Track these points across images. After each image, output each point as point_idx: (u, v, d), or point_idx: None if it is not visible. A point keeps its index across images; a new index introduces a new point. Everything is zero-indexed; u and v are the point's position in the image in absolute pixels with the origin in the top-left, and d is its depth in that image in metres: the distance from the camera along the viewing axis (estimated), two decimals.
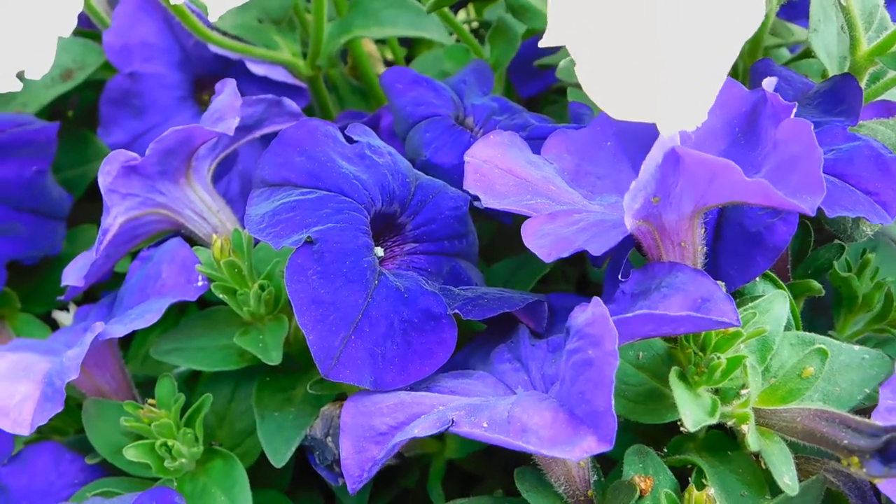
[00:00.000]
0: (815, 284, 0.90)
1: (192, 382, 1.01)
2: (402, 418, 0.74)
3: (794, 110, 0.74)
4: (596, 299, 0.70)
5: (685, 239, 0.78)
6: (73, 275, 0.95)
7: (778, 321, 0.79)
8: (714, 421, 0.74)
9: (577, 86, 1.03)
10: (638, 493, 0.75)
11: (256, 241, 0.90)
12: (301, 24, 1.22)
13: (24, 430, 0.83)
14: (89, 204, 1.21)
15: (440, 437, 0.94)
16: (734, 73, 1.05)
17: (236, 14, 1.15)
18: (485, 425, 0.68)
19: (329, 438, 0.86)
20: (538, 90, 1.31)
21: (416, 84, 1.00)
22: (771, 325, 0.78)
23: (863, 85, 0.91)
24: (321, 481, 0.91)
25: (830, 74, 0.93)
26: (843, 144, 0.83)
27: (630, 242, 0.81)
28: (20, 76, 0.79)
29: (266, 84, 1.18)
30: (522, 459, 0.81)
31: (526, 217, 0.78)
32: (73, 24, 0.80)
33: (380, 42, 1.40)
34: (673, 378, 0.74)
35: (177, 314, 1.06)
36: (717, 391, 0.77)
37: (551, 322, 0.86)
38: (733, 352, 0.76)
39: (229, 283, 0.89)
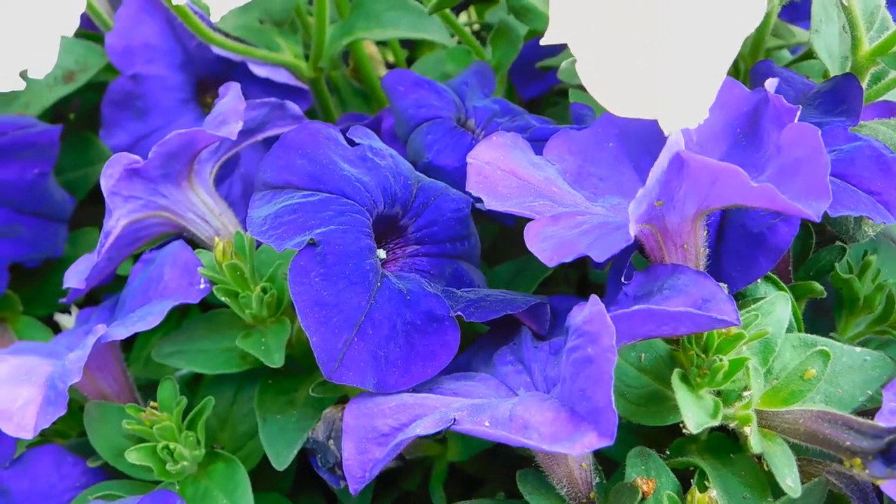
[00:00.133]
0: (817, 286, 0.90)
1: (193, 385, 1.01)
2: (404, 419, 0.74)
3: (798, 113, 0.74)
4: (594, 297, 0.69)
5: (688, 241, 0.78)
6: (75, 277, 0.95)
7: (780, 323, 0.79)
8: (716, 423, 0.74)
9: (579, 87, 1.03)
10: (640, 495, 0.75)
11: (258, 244, 0.90)
12: (303, 25, 1.22)
13: (28, 434, 0.83)
14: (91, 206, 1.21)
15: (442, 440, 0.94)
16: (735, 74, 1.05)
17: (238, 15, 1.15)
18: (487, 423, 0.68)
19: (331, 441, 0.85)
20: (540, 92, 1.31)
21: (417, 86, 1.00)
22: (773, 327, 0.78)
23: (864, 85, 0.91)
24: (323, 484, 0.91)
25: (832, 75, 0.93)
26: (844, 145, 0.83)
27: (633, 245, 0.81)
28: (23, 75, 0.79)
29: (268, 86, 1.18)
30: (524, 462, 0.81)
31: (528, 219, 0.78)
32: (76, 22, 0.80)
33: (381, 44, 1.40)
34: (675, 380, 0.75)
35: (178, 317, 1.06)
36: (719, 393, 0.77)
37: (553, 324, 0.86)
38: (735, 354, 0.76)
39: (231, 286, 0.89)
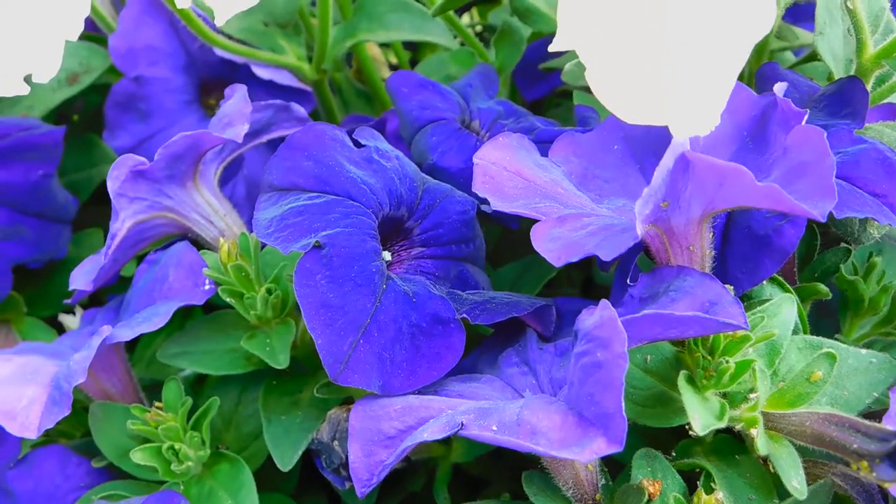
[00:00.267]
0: (823, 288, 0.90)
1: (197, 386, 1.01)
2: (410, 422, 0.74)
3: (806, 116, 0.74)
4: (604, 302, 0.70)
5: (693, 243, 0.79)
6: (81, 278, 0.95)
7: (786, 325, 0.79)
8: (722, 425, 0.74)
9: (583, 89, 1.04)
10: (646, 496, 0.75)
11: (263, 245, 0.90)
12: (306, 27, 1.22)
13: (32, 434, 0.83)
14: (94, 207, 1.21)
15: (446, 441, 0.94)
16: (740, 76, 1.05)
17: (242, 18, 1.15)
18: (494, 428, 0.68)
19: (336, 442, 0.86)
20: (543, 93, 1.31)
21: (421, 88, 1.00)
22: (779, 329, 0.78)
23: (869, 88, 0.91)
24: (327, 485, 0.91)
25: (836, 77, 0.93)
26: (849, 147, 0.84)
27: (638, 246, 0.81)
28: (27, 79, 0.79)
29: (271, 88, 1.18)
30: (529, 463, 0.81)
31: (534, 221, 0.78)
32: (81, 27, 0.80)
33: (384, 46, 1.41)
34: (681, 382, 0.75)
35: (182, 318, 1.06)
36: (725, 395, 0.77)
37: (558, 326, 0.86)
38: (741, 356, 0.76)
39: (236, 287, 0.89)
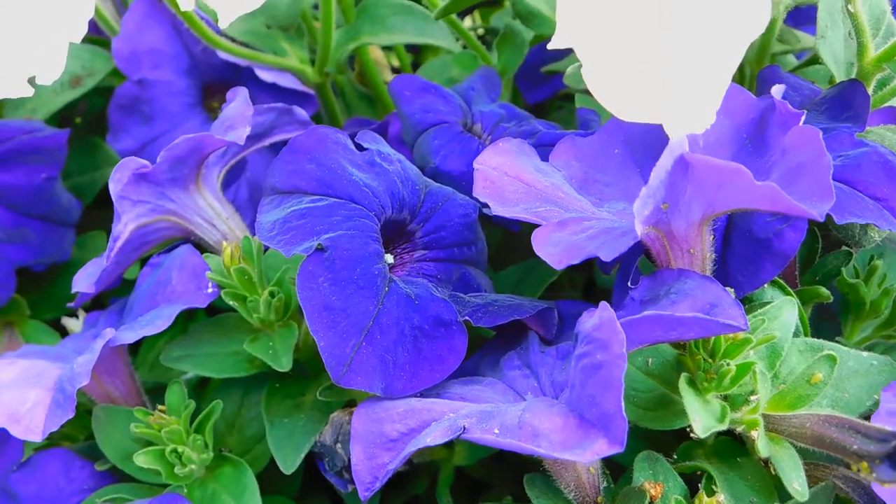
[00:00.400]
0: (824, 291, 0.90)
1: (200, 389, 1.01)
2: (413, 425, 0.74)
3: (804, 118, 0.75)
4: (604, 304, 0.70)
5: (694, 246, 0.79)
6: (84, 281, 0.95)
7: (787, 328, 0.79)
8: (724, 427, 0.75)
9: (585, 92, 1.03)
10: (648, 499, 0.75)
11: (266, 248, 0.90)
12: (309, 30, 1.22)
13: (36, 437, 0.83)
14: (98, 210, 1.22)
15: (449, 444, 0.94)
16: (741, 79, 1.05)
17: (245, 20, 1.15)
18: (496, 431, 0.68)
19: (339, 445, 0.86)
20: (545, 96, 1.31)
21: (424, 91, 1.01)
22: (780, 332, 0.79)
23: (870, 91, 0.91)
24: (330, 487, 0.91)
25: (837, 80, 0.93)
26: (850, 150, 0.84)
27: (639, 249, 0.81)
28: (31, 82, 0.79)
29: (274, 90, 1.18)
30: (531, 466, 0.81)
31: (535, 224, 0.78)
32: (84, 29, 0.80)
33: (386, 48, 1.41)
34: (682, 384, 0.75)
35: (185, 321, 1.06)
36: (726, 397, 0.77)
37: (560, 329, 0.87)
38: (742, 358, 0.76)
39: (239, 290, 0.89)
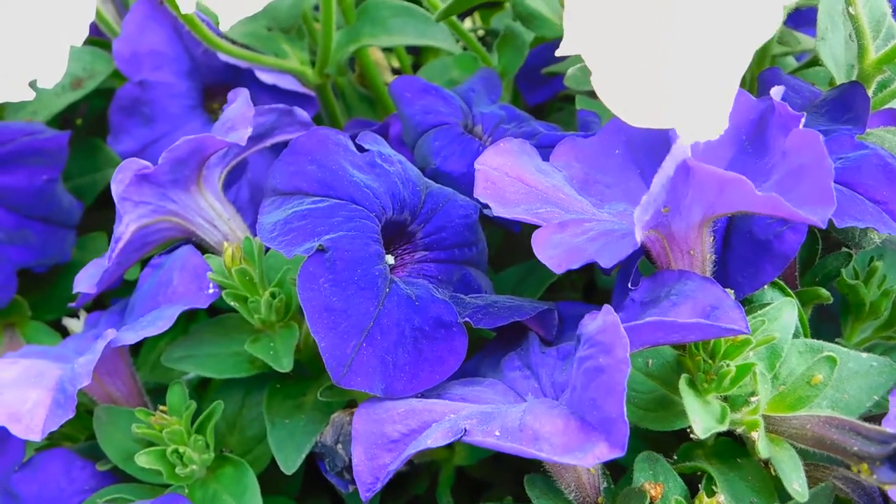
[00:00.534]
0: (824, 292, 0.90)
1: (201, 390, 1.01)
2: (413, 426, 0.75)
3: (804, 120, 0.75)
4: (607, 307, 0.70)
5: (694, 247, 0.79)
6: (85, 282, 0.95)
7: (786, 329, 0.79)
8: (724, 428, 0.75)
9: (586, 93, 1.04)
10: (648, 499, 0.75)
11: (267, 249, 0.90)
12: (309, 32, 1.22)
13: (36, 436, 0.83)
14: (99, 211, 1.22)
15: (449, 445, 0.94)
16: (742, 81, 1.05)
17: (245, 22, 1.16)
18: (497, 434, 0.68)
19: (339, 445, 0.86)
20: (545, 98, 1.32)
21: (424, 93, 1.01)
22: (780, 333, 0.79)
23: (870, 93, 0.91)
24: (331, 488, 0.92)
25: (838, 83, 0.93)
26: (850, 153, 0.84)
27: (639, 251, 0.81)
28: (32, 84, 0.79)
29: (275, 92, 1.18)
30: (532, 466, 0.81)
31: (535, 226, 0.78)
32: (86, 32, 0.80)
33: (387, 50, 1.41)
34: (683, 385, 0.75)
35: (186, 322, 1.06)
36: (726, 398, 0.77)
37: (560, 329, 0.87)
38: (742, 359, 0.76)
39: (240, 291, 0.89)
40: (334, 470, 0.87)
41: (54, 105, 1.21)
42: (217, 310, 0.97)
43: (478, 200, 0.84)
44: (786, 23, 1.04)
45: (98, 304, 1.11)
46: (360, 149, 0.89)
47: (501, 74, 1.21)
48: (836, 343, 0.84)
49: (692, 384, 0.76)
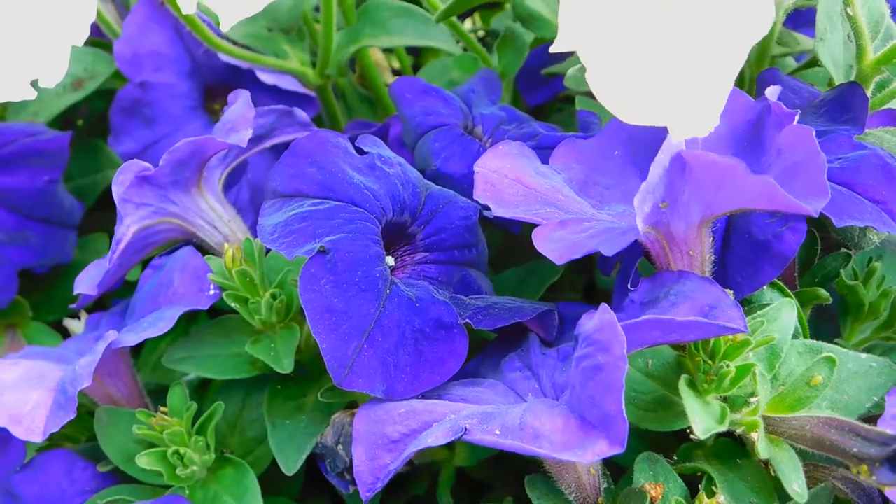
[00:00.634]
0: (823, 293, 0.90)
1: (202, 391, 1.01)
2: (414, 426, 0.75)
3: (797, 117, 0.75)
4: (604, 306, 0.70)
5: (693, 248, 0.79)
6: (86, 283, 0.95)
7: (786, 329, 0.80)
8: (723, 429, 0.75)
9: (586, 94, 1.04)
10: (648, 500, 0.75)
11: (267, 250, 0.91)
12: (310, 33, 1.22)
13: (37, 437, 0.83)
14: (100, 212, 1.22)
15: (450, 445, 0.94)
16: (741, 81, 1.05)
17: (246, 23, 1.16)
18: (497, 432, 0.69)
19: (340, 446, 0.86)
20: (545, 98, 1.32)
21: (425, 94, 1.01)
22: (779, 334, 0.79)
23: (869, 93, 0.91)
24: (331, 489, 0.92)
25: (837, 83, 0.93)
26: (849, 153, 0.84)
27: (639, 251, 0.81)
28: (34, 85, 0.79)
29: (275, 93, 1.18)
30: (532, 467, 0.81)
31: (535, 225, 0.78)
32: (87, 33, 0.80)
33: (387, 51, 1.41)
34: (682, 386, 0.75)
35: (186, 323, 1.06)
36: (726, 399, 0.77)
37: (561, 330, 0.87)
38: (742, 360, 0.76)
39: (241, 292, 0.89)
40: (335, 471, 0.87)
41: (55, 106, 1.21)
42: (218, 311, 0.97)
43: (478, 201, 0.84)
44: (785, 23, 1.04)
45: (99, 305, 1.11)
46: (360, 151, 0.89)
47: (501, 75, 1.21)
48: (836, 344, 0.84)
49: (692, 385, 0.76)
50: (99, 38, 1.25)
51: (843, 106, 0.89)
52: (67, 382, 0.87)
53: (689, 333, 0.74)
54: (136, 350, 1.06)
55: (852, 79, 0.92)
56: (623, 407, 0.64)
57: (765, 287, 0.84)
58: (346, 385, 0.78)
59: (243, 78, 1.20)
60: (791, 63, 1.15)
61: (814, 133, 0.73)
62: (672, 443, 0.83)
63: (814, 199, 0.71)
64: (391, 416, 0.76)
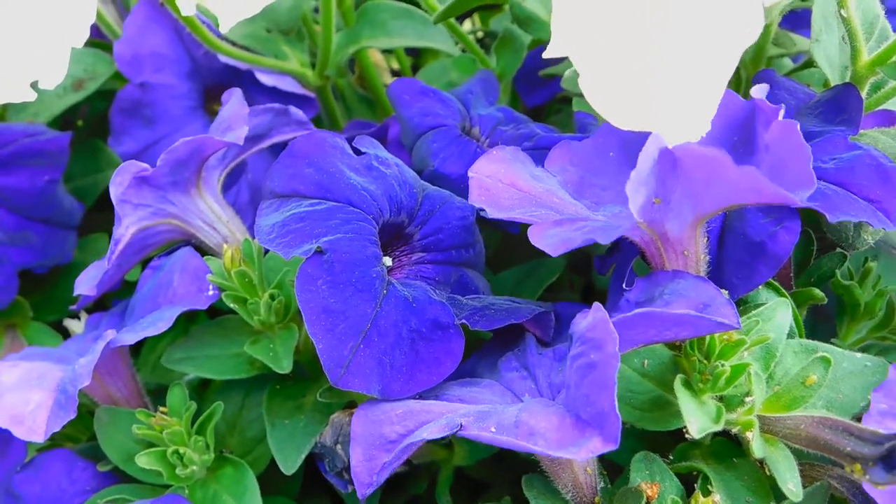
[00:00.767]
0: (818, 293, 0.91)
1: (202, 391, 1.01)
2: (411, 426, 0.75)
3: (782, 112, 0.75)
4: (597, 305, 0.70)
5: (688, 248, 0.79)
6: (86, 284, 0.96)
7: (781, 329, 0.80)
8: (719, 428, 0.75)
9: (583, 95, 1.04)
10: (645, 499, 0.76)
11: (266, 251, 0.91)
12: (309, 34, 1.23)
13: (39, 438, 0.84)
14: (100, 213, 1.22)
15: (448, 445, 0.95)
16: (737, 82, 1.06)
17: (245, 24, 1.16)
18: (493, 429, 0.69)
19: (339, 446, 0.86)
20: (543, 100, 1.32)
21: (423, 95, 1.01)
22: (774, 333, 0.79)
23: (864, 94, 0.91)
24: (330, 488, 0.92)
25: (832, 84, 0.93)
26: (844, 153, 0.84)
27: (634, 251, 0.82)
28: (34, 85, 0.80)
29: (275, 94, 1.19)
30: (530, 467, 0.82)
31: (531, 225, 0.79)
32: (87, 34, 0.81)
33: (386, 52, 1.42)
34: (678, 386, 0.75)
35: (186, 323, 1.07)
36: (721, 398, 0.78)
37: (558, 331, 0.87)
38: (737, 359, 0.77)
39: (240, 293, 0.89)
40: (334, 470, 0.88)
41: (55, 106, 1.21)
42: (217, 311, 0.98)
43: None
44: (782, 24, 1.05)
45: (100, 305, 1.11)
46: (357, 152, 0.89)
47: (500, 76, 1.21)
48: (832, 343, 0.85)
49: (688, 384, 0.76)
50: (99, 39, 1.25)
51: (838, 107, 0.89)
52: (68, 382, 0.87)
53: (683, 330, 0.74)
54: (136, 350, 1.06)
55: (847, 80, 0.93)
56: (616, 404, 0.65)
57: (760, 287, 0.85)
58: (343, 385, 0.78)
59: (243, 79, 1.20)
60: (788, 64, 1.15)
61: (798, 126, 0.73)
62: (668, 442, 0.83)
63: (800, 190, 0.71)
64: (388, 416, 0.76)
